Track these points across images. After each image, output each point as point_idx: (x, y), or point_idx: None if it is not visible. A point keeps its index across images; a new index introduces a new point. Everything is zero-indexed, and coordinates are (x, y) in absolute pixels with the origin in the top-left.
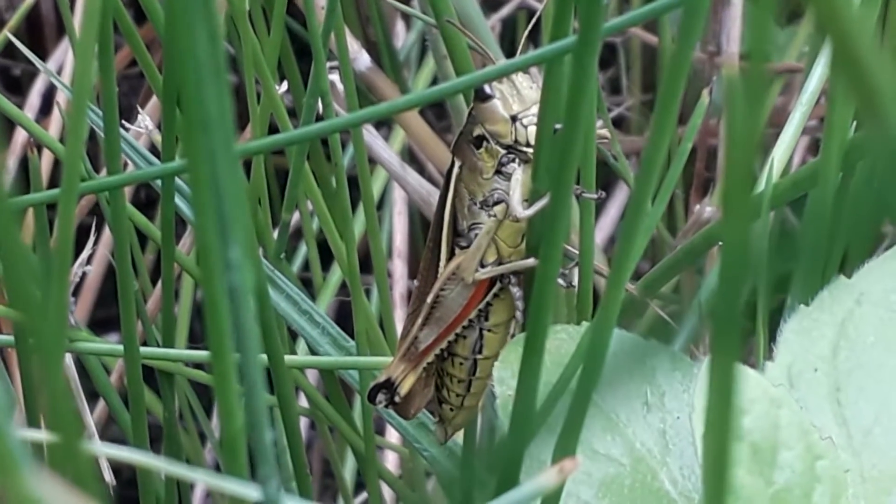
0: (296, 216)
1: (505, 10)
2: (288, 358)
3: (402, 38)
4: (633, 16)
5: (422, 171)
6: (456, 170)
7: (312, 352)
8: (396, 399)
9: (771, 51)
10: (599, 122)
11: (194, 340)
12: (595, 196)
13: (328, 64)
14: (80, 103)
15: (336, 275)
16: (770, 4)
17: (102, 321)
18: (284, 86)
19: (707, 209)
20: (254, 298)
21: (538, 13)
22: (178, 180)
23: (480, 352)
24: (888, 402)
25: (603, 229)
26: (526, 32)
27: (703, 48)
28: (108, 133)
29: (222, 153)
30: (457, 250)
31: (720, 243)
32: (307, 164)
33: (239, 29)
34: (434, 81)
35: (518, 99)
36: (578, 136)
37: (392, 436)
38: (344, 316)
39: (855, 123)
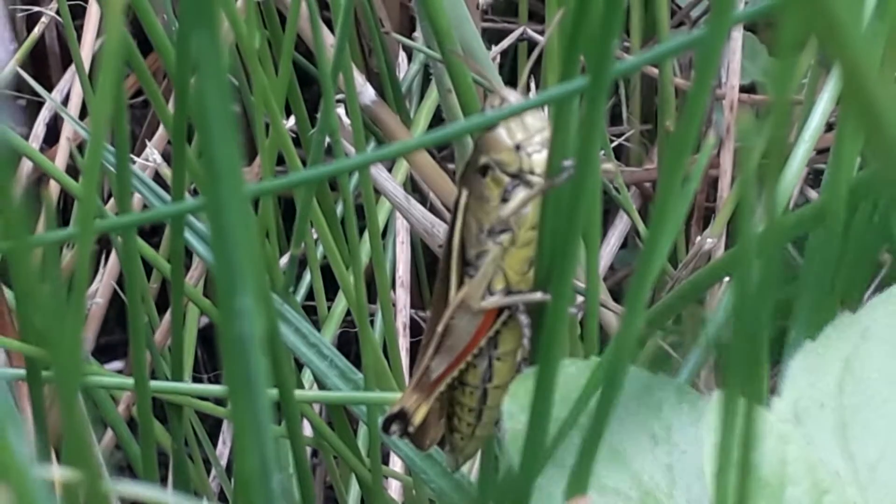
0: None
1: (506, 43)
2: (298, 393)
3: (404, 68)
4: (642, 58)
5: (424, 201)
6: (463, 199)
7: (318, 381)
8: (410, 429)
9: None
10: (602, 154)
11: (197, 369)
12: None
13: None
14: (95, 146)
15: (340, 305)
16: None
17: (104, 347)
18: (292, 120)
19: (708, 240)
20: (265, 334)
21: (539, 46)
22: None
23: (490, 380)
24: (894, 437)
25: (602, 258)
26: (528, 67)
27: None
28: (119, 170)
29: (232, 201)
30: (466, 279)
31: (727, 278)
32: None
33: (249, 68)
34: (437, 112)
35: (522, 127)
36: (590, 175)
37: (395, 463)
38: (346, 344)
39: (859, 161)
